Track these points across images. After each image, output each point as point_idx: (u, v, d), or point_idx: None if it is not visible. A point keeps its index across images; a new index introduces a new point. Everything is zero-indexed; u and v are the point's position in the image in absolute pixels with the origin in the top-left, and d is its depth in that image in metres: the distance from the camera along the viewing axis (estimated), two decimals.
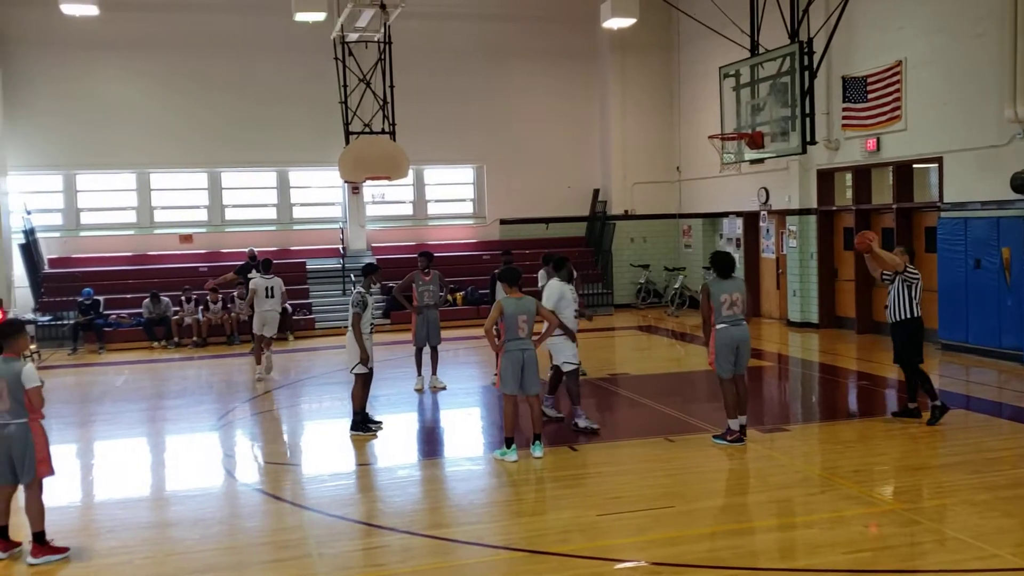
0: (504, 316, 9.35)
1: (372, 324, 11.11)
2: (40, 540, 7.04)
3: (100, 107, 22.05)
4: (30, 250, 20.97)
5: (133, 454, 10.99)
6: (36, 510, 7.05)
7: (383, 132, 21.34)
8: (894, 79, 16.52)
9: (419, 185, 24.91)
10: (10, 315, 18.35)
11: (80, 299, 19.64)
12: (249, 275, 17.39)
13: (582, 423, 10.55)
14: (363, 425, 10.96)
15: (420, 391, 13.52)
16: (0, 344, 7.14)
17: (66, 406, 13.30)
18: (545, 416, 10.60)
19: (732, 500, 8.50)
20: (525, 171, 24.73)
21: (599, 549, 6.94)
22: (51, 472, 7.16)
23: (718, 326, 9.81)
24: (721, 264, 9.91)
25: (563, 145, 25.16)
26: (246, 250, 19.93)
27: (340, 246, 23.07)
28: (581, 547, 6.97)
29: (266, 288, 15.10)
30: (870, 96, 17.11)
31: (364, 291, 10.94)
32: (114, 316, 20.11)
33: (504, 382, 9.42)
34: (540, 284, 14.17)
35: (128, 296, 20.72)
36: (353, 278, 11.35)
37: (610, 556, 6.82)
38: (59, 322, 20.02)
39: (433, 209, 25.19)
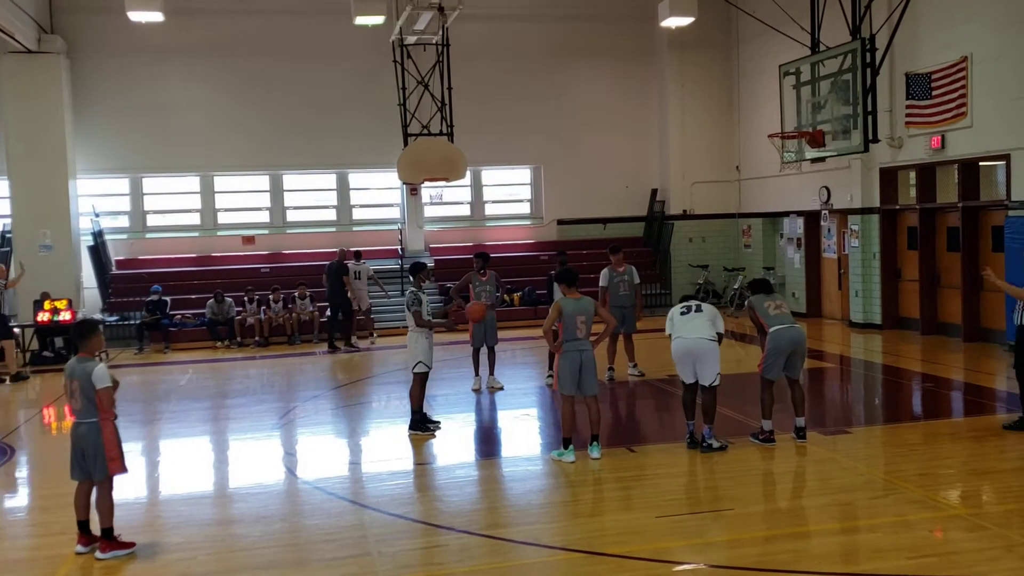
0: (562, 316, 9.37)
1: (431, 321, 11.17)
2: (108, 536, 7.21)
3: (165, 111, 22.48)
4: (98, 252, 21.49)
5: (197, 452, 11.23)
6: (105, 507, 7.21)
7: (441, 134, 21.43)
8: (960, 75, 16.14)
9: (476, 186, 25.00)
10: (80, 315, 18.86)
11: (149, 297, 20.01)
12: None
13: (714, 444, 9.71)
14: (421, 425, 11.04)
15: (477, 391, 13.56)
16: (75, 344, 7.35)
17: (132, 404, 13.58)
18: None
19: (793, 503, 8.42)
20: (582, 171, 24.65)
21: (657, 551, 6.91)
22: (123, 470, 7.32)
23: (772, 329, 9.84)
24: (761, 286, 10.42)
25: (621, 145, 25.02)
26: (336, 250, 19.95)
27: (399, 247, 23.27)
28: (639, 548, 6.95)
29: (355, 271, 19.35)
30: (934, 93, 16.74)
31: (416, 290, 11.04)
32: (179, 316, 20.51)
33: (562, 383, 9.44)
34: (601, 284, 14.10)
35: (192, 297, 21.13)
36: (411, 279, 11.46)
37: (668, 558, 6.79)
38: (126, 322, 20.47)
39: (490, 210, 25.25)
